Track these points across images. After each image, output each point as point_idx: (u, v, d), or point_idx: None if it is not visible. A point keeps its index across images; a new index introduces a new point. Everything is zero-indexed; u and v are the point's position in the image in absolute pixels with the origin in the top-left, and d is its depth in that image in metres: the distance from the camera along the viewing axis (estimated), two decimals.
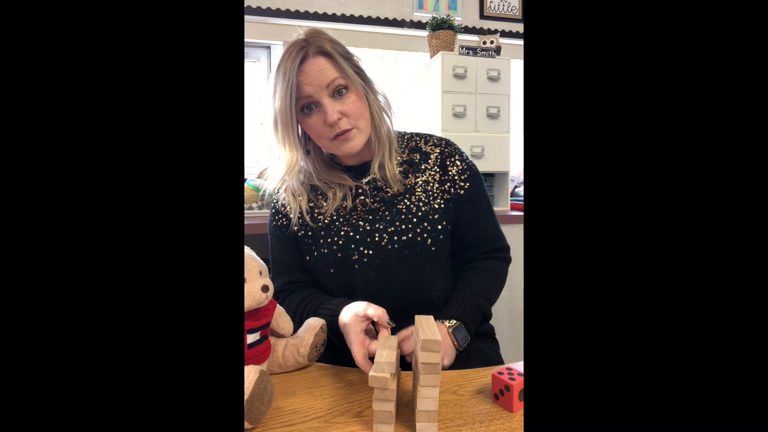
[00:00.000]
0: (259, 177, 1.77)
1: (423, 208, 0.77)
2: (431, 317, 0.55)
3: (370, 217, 0.77)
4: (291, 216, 0.79)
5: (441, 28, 1.85)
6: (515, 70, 1.97)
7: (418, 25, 2.17)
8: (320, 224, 0.78)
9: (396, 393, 0.49)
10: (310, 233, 0.79)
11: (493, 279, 0.80)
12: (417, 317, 0.53)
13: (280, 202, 0.82)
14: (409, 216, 0.76)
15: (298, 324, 0.68)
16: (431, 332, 0.47)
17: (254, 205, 1.61)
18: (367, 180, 0.79)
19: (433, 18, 1.88)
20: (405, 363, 0.64)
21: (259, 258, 0.60)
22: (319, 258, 0.77)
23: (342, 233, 0.77)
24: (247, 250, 0.59)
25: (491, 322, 0.88)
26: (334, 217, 0.78)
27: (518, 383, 0.51)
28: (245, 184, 1.63)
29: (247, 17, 1.97)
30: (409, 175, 0.80)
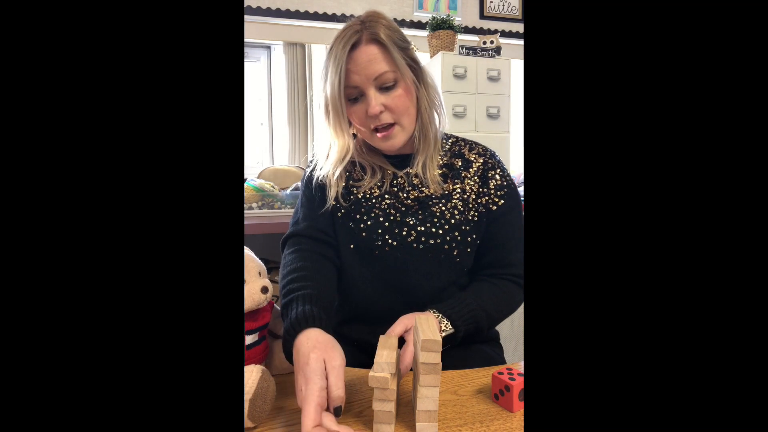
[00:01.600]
0: (259, 177, 1.77)
1: (457, 217, 0.75)
2: (432, 317, 0.55)
3: (403, 209, 0.76)
4: (327, 195, 0.77)
5: (441, 28, 1.86)
6: (515, 70, 1.97)
7: (418, 25, 2.17)
8: (352, 197, 0.77)
9: (396, 393, 0.49)
10: (345, 203, 0.77)
11: (503, 299, 0.74)
12: (417, 317, 0.53)
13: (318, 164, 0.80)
14: (442, 222, 0.74)
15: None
16: (431, 332, 0.47)
17: (254, 205, 1.61)
18: (405, 171, 0.77)
19: (433, 18, 1.89)
20: None
21: (258, 258, 0.60)
22: (345, 229, 0.76)
23: (372, 214, 0.75)
24: (246, 251, 0.59)
25: None
26: (368, 195, 0.77)
27: (518, 383, 0.51)
28: (245, 184, 1.62)
29: (247, 17, 1.97)
30: (448, 181, 0.77)
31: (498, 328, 0.90)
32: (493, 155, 0.81)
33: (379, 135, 0.72)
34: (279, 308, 0.65)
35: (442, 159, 0.79)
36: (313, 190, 0.80)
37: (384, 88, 0.70)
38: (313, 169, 0.81)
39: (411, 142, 0.77)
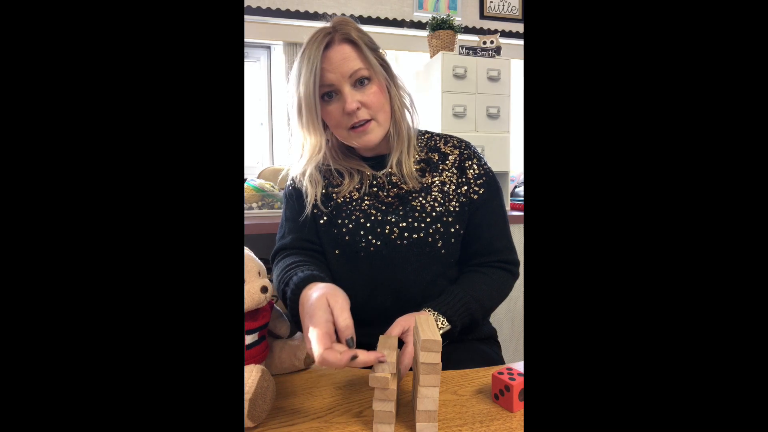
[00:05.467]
0: (259, 177, 1.77)
1: (438, 209, 0.76)
2: (431, 317, 0.55)
3: (383, 207, 0.77)
4: (306, 201, 0.78)
5: (441, 28, 1.86)
6: (515, 70, 1.97)
7: (418, 25, 2.17)
8: (332, 203, 0.79)
9: (396, 393, 0.49)
10: (325, 209, 0.79)
11: (493, 287, 0.76)
12: (417, 317, 0.53)
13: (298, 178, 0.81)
14: (423, 215, 0.75)
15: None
16: (431, 332, 0.47)
17: (254, 205, 1.61)
18: (383, 172, 0.78)
19: (433, 18, 1.89)
20: None
21: (257, 258, 0.60)
22: (329, 236, 0.77)
23: (353, 217, 0.76)
24: (246, 251, 0.59)
25: (492, 323, 0.88)
26: (347, 199, 0.78)
27: (518, 383, 0.51)
28: (245, 184, 1.62)
29: (247, 17, 1.97)
30: (426, 174, 0.79)
31: (498, 327, 0.90)
32: (468, 146, 0.83)
33: (355, 131, 0.73)
34: (279, 308, 0.65)
35: (419, 154, 0.81)
36: (295, 203, 0.81)
37: (359, 86, 0.72)
38: (292, 183, 0.83)
39: (386, 141, 0.78)
